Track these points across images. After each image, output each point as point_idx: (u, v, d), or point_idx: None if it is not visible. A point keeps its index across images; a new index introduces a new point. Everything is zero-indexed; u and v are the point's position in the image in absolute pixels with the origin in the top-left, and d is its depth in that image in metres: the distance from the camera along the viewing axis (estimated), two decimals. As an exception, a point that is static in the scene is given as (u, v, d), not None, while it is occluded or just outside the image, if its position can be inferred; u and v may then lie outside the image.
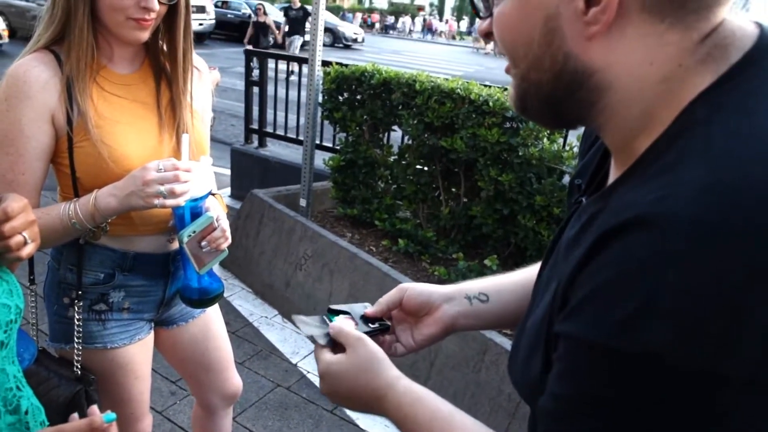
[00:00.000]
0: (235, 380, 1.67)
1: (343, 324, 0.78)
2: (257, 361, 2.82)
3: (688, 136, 0.48)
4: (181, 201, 1.19)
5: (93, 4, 1.18)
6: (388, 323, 0.85)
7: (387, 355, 0.77)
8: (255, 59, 4.74)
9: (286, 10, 12.29)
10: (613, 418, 0.46)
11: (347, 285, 2.92)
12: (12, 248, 0.86)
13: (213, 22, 18.44)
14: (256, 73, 4.74)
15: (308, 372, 2.75)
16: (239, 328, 3.06)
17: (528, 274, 0.87)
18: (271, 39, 12.12)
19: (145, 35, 1.24)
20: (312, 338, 0.77)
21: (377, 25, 42.59)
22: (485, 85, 3.16)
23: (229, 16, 19.98)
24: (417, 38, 38.35)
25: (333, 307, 0.83)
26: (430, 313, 0.85)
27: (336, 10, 38.71)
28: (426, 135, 3.15)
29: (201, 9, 17.33)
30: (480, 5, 0.59)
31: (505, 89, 3.07)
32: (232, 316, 3.14)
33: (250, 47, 11.14)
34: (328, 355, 0.74)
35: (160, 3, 1.21)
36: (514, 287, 0.87)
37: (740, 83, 0.48)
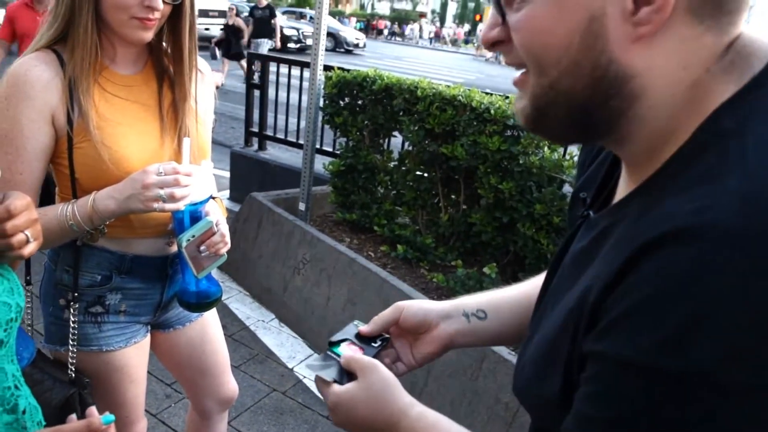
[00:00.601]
0: (231, 385, 1.66)
1: (351, 352, 0.78)
2: (253, 365, 2.81)
3: (720, 146, 0.46)
4: (180, 205, 1.18)
5: (97, 3, 1.17)
6: (388, 336, 0.84)
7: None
8: (257, 62, 4.74)
9: (252, 10, 11.10)
10: None
11: (345, 290, 2.91)
12: (14, 246, 0.86)
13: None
14: (257, 76, 4.74)
15: (304, 377, 2.74)
16: (236, 331, 3.04)
17: (526, 289, 0.85)
18: (244, 43, 10.86)
19: (149, 35, 1.23)
20: (319, 378, 0.76)
21: (385, 32, 42.70)
22: (487, 93, 3.16)
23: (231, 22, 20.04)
24: (419, 45, 38.47)
25: (333, 340, 0.82)
26: (428, 332, 0.84)
27: (335, 16, 38.86)
28: (427, 141, 3.14)
29: (223, 14, 16.77)
30: (508, 14, 0.54)
31: (507, 97, 3.07)
32: (228, 319, 3.13)
33: (218, 52, 10.60)
34: (336, 387, 0.73)
35: (164, 2, 1.20)
36: (512, 304, 0.86)
37: (767, 94, 0.48)
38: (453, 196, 3.26)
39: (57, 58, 1.19)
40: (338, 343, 0.80)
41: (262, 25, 11.00)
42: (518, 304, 0.84)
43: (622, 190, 0.59)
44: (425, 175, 3.29)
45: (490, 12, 0.58)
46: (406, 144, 3.39)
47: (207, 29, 12.17)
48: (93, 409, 0.86)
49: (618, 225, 0.52)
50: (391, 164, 3.54)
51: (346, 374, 0.75)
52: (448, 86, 3.19)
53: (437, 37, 42.03)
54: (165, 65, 1.33)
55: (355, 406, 0.71)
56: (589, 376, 0.48)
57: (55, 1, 1.20)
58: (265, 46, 11.17)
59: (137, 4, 1.17)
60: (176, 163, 1.20)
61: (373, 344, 0.81)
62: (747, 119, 0.47)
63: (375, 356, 0.79)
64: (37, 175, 1.21)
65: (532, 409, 0.63)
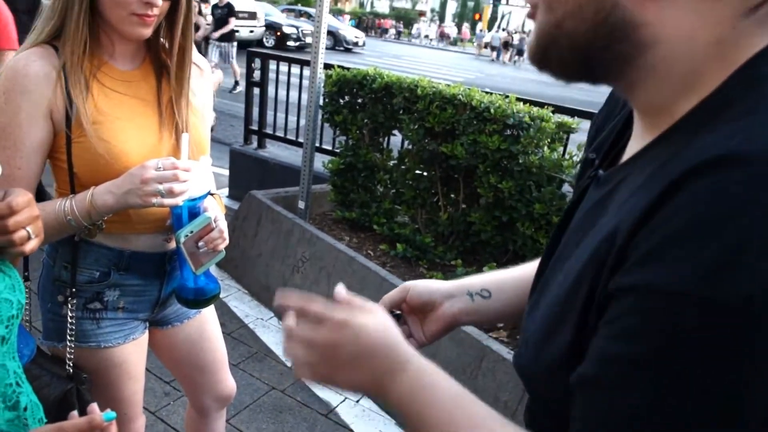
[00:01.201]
0: (229, 382, 1.66)
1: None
2: (252, 363, 2.81)
3: (758, 89, 0.46)
4: (179, 201, 1.18)
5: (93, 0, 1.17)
6: (400, 312, 0.87)
7: None
8: (257, 60, 4.73)
9: (213, 9, 9.72)
10: (688, 377, 0.41)
11: (345, 288, 2.91)
12: (16, 243, 0.86)
13: (263, 29, 17.30)
14: (257, 74, 4.73)
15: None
16: (234, 329, 3.04)
17: (529, 269, 0.85)
18: (213, 42, 9.62)
19: (148, 32, 1.23)
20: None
21: (392, 31, 42.56)
22: (486, 92, 3.16)
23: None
24: (427, 45, 38.45)
25: None
26: (434, 310, 0.86)
27: (333, 14, 38.80)
28: (426, 140, 3.14)
29: (252, 15, 16.21)
30: None
31: (506, 96, 3.08)
32: (227, 317, 3.13)
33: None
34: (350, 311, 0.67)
35: None
36: (515, 283, 0.88)
37: None
38: (452, 195, 3.26)
39: (55, 53, 1.19)
40: None
41: (221, 25, 9.60)
42: (521, 283, 0.85)
43: (633, 148, 0.60)
44: (425, 174, 3.29)
45: None
46: (406, 143, 3.39)
47: (236, 31, 11.74)
48: (94, 406, 0.86)
49: (636, 175, 0.52)
50: (391, 163, 3.54)
51: None
52: (448, 85, 3.19)
53: (442, 36, 41.97)
54: (163, 61, 1.33)
55: (367, 332, 0.64)
56: (617, 314, 0.46)
57: None
58: (213, 51, 9.55)
59: (136, 1, 1.17)
60: (175, 158, 1.20)
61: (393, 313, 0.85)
62: None
63: None
64: (35, 170, 1.21)
65: (537, 384, 0.63)
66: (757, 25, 0.48)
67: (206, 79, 1.44)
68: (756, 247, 0.39)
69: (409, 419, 0.63)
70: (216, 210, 1.31)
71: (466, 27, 47.14)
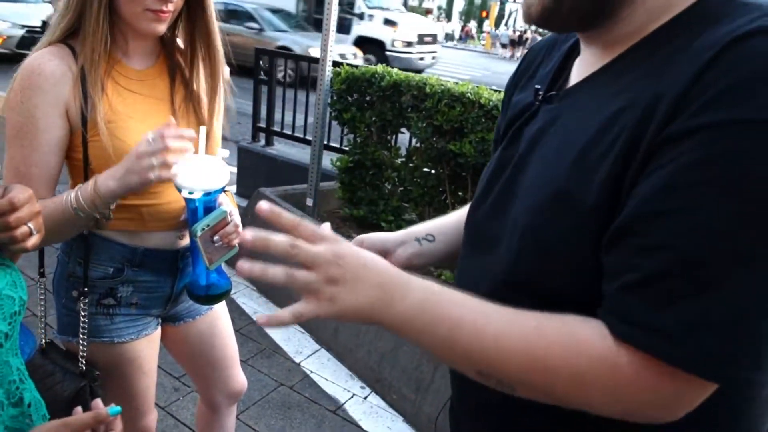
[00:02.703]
0: (239, 378, 1.67)
1: None
2: (261, 359, 2.82)
3: (733, 5, 0.58)
4: (171, 173, 1.14)
5: None
6: None
7: None
8: (265, 57, 4.74)
9: None
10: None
11: (352, 286, 2.92)
12: (18, 239, 0.86)
13: (437, 54, 14.40)
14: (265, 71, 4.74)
15: (311, 372, 2.75)
16: (243, 325, 3.06)
17: (464, 215, 0.93)
18: None
19: (163, 28, 1.23)
20: None
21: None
22: (495, 90, 3.15)
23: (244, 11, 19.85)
24: (448, 46, 38.40)
25: None
26: (388, 258, 0.93)
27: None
28: (434, 138, 3.14)
29: (433, 38, 13.98)
30: None
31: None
32: (236, 313, 3.14)
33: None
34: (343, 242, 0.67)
35: None
36: (456, 224, 0.96)
37: None
38: (460, 193, 3.26)
39: (71, 52, 1.20)
40: None
41: None
42: (460, 225, 0.92)
43: (584, 72, 0.70)
44: (433, 171, 3.29)
45: None
46: (414, 140, 3.39)
47: (421, 59, 10.70)
48: (98, 401, 0.86)
49: (612, 77, 0.64)
50: (399, 161, 3.54)
51: None
52: (457, 83, 3.19)
53: (467, 36, 41.63)
54: (177, 59, 1.34)
55: (364, 257, 0.65)
56: (682, 152, 0.53)
57: None
58: None
59: None
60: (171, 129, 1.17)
61: None
62: None
63: None
64: (53, 169, 1.21)
65: (536, 262, 0.66)
66: None
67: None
68: None
69: (421, 334, 0.64)
70: (230, 205, 1.31)
71: (489, 29, 47.12)
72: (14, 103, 1.18)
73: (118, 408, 0.86)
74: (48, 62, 1.18)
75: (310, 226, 0.66)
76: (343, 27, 12.09)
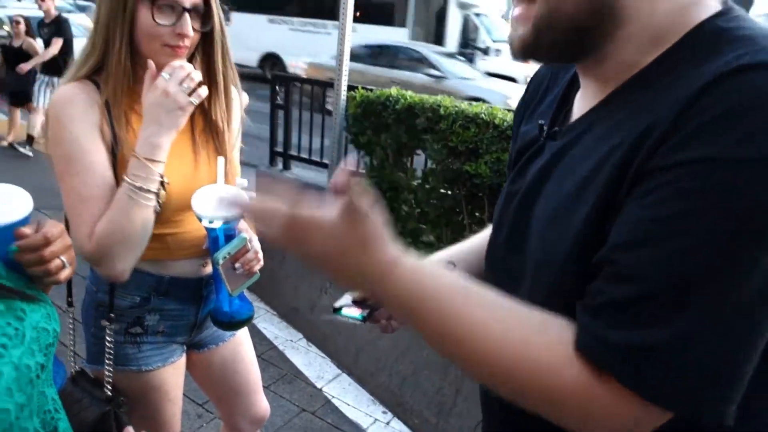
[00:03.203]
0: (262, 404, 1.68)
1: (354, 312, 0.92)
2: (282, 384, 2.82)
3: (727, 36, 0.59)
4: (203, 91, 1.19)
5: (131, 33, 1.22)
6: None
7: (384, 332, 0.91)
8: (281, 83, 4.82)
9: (38, 27, 6.69)
10: (741, 224, 0.52)
11: (372, 309, 2.92)
12: (52, 272, 0.89)
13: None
14: (281, 97, 4.81)
15: (333, 397, 2.75)
16: (264, 351, 3.07)
17: (483, 239, 0.97)
18: (39, 75, 6.54)
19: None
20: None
21: None
22: (509, 110, 3.17)
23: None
24: None
25: (336, 306, 0.95)
26: None
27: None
28: (450, 159, 3.16)
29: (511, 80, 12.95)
30: None
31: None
32: (257, 339, 3.15)
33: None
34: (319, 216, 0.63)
35: (194, 30, 1.24)
36: (476, 249, 0.98)
37: (738, 15, 0.62)
38: (477, 214, 3.26)
39: (96, 87, 1.23)
40: (340, 308, 0.95)
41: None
42: (480, 248, 0.93)
43: (585, 106, 0.71)
44: (449, 192, 3.30)
45: None
46: (430, 162, 3.41)
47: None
48: (130, 429, 0.88)
49: (613, 112, 0.64)
50: (415, 182, 3.56)
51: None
52: (471, 104, 3.21)
53: None
54: None
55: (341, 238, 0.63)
56: (665, 183, 0.55)
57: (92, 33, 1.24)
58: (44, 93, 6.43)
59: (168, 33, 1.21)
60: (212, 181, 1.21)
61: (367, 303, 0.94)
62: (741, 23, 0.61)
63: (370, 314, 0.93)
64: (112, 184, 1.20)
65: (543, 284, 0.68)
66: (695, 3, 0.62)
67: (235, 104, 1.48)
68: None
69: (411, 311, 0.64)
70: (250, 232, 1.34)
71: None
72: (55, 137, 1.20)
73: None
74: (77, 94, 1.21)
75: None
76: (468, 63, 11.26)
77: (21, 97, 6.53)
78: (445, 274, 0.67)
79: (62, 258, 0.90)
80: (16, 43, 6.52)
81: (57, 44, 6.34)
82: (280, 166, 4.96)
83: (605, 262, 0.59)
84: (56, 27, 6.47)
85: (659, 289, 0.55)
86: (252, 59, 13.12)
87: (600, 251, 0.60)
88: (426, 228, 3.49)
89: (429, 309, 0.63)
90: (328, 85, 4.04)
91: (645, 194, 0.56)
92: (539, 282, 0.69)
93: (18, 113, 6.68)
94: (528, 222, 0.73)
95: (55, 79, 6.29)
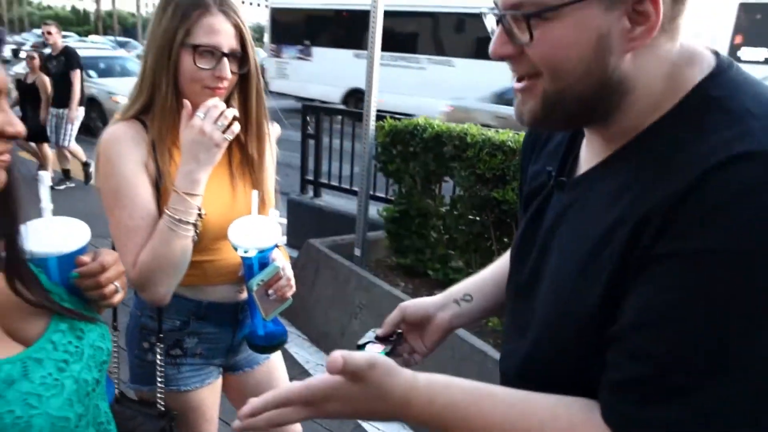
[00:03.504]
0: (296, 427, 1.73)
1: (375, 350, 0.95)
2: (313, 408, 2.86)
3: (719, 105, 0.64)
4: (235, 128, 1.27)
5: (175, 78, 1.32)
6: (401, 331, 1.01)
7: (407, 366, 0.87)
8: (311, 114, 4.96)
9: (46, 61, 6.57)
10: (727, 312, 0.57)
11: (401, 334, 2.96)
12: (107, 296, 0.98)
13: None
14: (312, 127, 4.94)
15: (363, 420, 2.78)
16: (295, 375, 3.12)
17: (500, 265, 1.02)
18: (48, 115, 6.42)
19: None
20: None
21: None
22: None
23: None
24: None
25: (359, 343, 0.98)
26: (430, 322, 0.99)
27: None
28: (477, 186, 3.21)
29: None
30: (521, 34, 0.67)
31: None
32: (289, 362, 3.18)
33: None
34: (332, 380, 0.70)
35: (232, 72, 1.34)
36: (493, 281, 1.03)
37: (729, 77, 0.67)
38: (506, 240, 3.29)
39: (143, 127, 1.34)
40: (364, 345, 0.98)
41: (60, 84, 6.34)
42: (498, 280, 0.99)
43: (592, 159, 0.76)
44: (477, 219, 3.34)
45: (497, 31, 0.70)
46: (458, 189, 3.46)
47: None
48: None
49: (615, 174, 0.69)
50: (443, 209, 3.61)
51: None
52: (497, 131, 3.26)
53: None
54: None
55: (356, 400, 0.70)
56: (666, 272, 0.60)
57: (140, 75, 1.35)
58: (65, 128, 6.38)
59: (209, 76, 1.31)
60: (247, 213, 1.29)
61: (390, 339, 1.00)
62: (732, 90, 0.65)
63: (393, 349, 0.98)
64: (154, 216, 1.29)
65: (553, 348, 0.73)
66: (687, 65, 0.67)
67: (271, 138, 1.56)
68: None
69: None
70: (282, 260, 1.41)
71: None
72: (105, 173, 1.31)
73: None
74: (125, 132, 1.32)
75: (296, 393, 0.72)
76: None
77: (38, 134, 6.38)
78: (455, 383, 0.72)
79: (116, 283, 0.98)
80: (30, 79, 6.49)
81: (76, 77, 6.33)
82: (310, 193, 5.07)
83: (617, 338, 0.64)
84: (66, 59, 6.37)
85: (670, 368, 0.60)
86: (335, 95, 13.10)
87: (613, 327, 0.64)
88: (455, 254, 3.53)
89: (449, 419, 0.70)
90: (358, 115, 4.14)
91: (650, 280, 0.61)
92: (546, 340, 0.75)
93: (45, 146, 6.63)
94: (540, 274, 0.78)
95: (62, 111, 6.32)
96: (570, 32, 0.65)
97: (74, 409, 0.81)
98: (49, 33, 6.45)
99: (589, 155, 0.77)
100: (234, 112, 1.30)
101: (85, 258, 0.95)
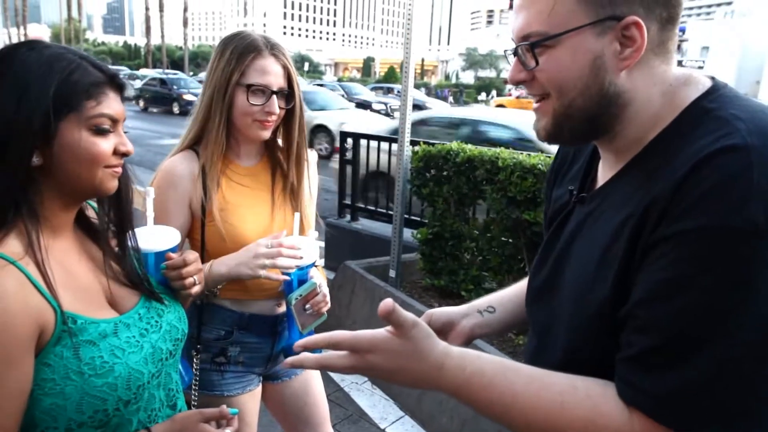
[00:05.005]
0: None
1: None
2: (347, 425, 2.95)
3: (712, 116, 0.73)
4: (281, 277, 1.41)
5: (229, 112, 1.48)
6: None
7: None
8: (349, 140, 5.11)
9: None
10: (725, 284, 0.65)
11: (434, 353, 3.02)
12: (187, 286, 1.18)
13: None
14: (350, 153, 5.09)
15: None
16: (331, 392, 3.21)
17: (521, 286, 1.09)
18: None
19: (267, 134, 1.52)
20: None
21: (450, 98, 43.20)
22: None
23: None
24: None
25: None
26: (453, 329, 1.07)
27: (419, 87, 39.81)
28: (509, 209, 3.27)
29: None
30: (529, 61, 0.79)
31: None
32: (324, 380, 3.26)
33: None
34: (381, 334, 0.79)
35: (279, 107, 1.49)
36: (515, 297, 1.10)
37: (722, 94, 0.76)
38: (538, 261, 3.33)
39: (195, 156, 1.50)
40: None
41: None
42: (518, 298, 1.06)
43: (607, 174, 0.85)
44: (510, 240, 3.40)
45: (513, 61, 0.83)
46: (490, 211, 3.53)
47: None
48: (224, 406, 1.08)
49: (627, 183, 0.78)
50: (476, 231, 3.68)
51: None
52: (529, 155, 3.33)
53: None
54: (278, 157, 1.61)
55: (397, 355, 0.77)
56: (668, 251, 0.68)
57: (197, 109, 1.51)
58: None
59: (259, 111, 1.47)
60: (285, 235, 1.44)
61: None
62: (723, 103, 0.74)
63: None
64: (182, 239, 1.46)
65: (574, 340, 0.81)
66: (683, 86, 0.78)
67: (311, 164, 1.70)
68: (759, 192, 0.64)
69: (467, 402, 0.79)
70: (320, 277, 1.53)
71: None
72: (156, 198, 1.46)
73: (236, 410, 1.12)
74: (179, 165, 1.49)
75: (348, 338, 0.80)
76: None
77: None
78: (485, 355, 0.80)
79: (194, 277, 1.19)
80: None
81: None
82: (348, 217, 5.21)
83: (629, 317, 0.72)
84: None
85: (672, 339, 0.67)
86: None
87: (623, 308, 0.72)
88: (488, 275, 3.58)
89: (476, 386, 0.77)
90: (392, 140, 4.27)
91: (654, 261, 0.69)
92: (566, 331, 0.83)
93: None
94: (559, 281, 0.87)
95: None
96: (569, 56, 0.76)
97: (148, 368, 1.00)
98: None
99: (604, 172, 0.87)
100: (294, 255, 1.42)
101: (173, 255, 1.17)
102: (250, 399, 1.61)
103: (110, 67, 1.01)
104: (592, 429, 0.73)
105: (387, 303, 0.75)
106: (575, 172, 0.96)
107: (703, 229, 0.66)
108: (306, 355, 0.80)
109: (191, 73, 42.90)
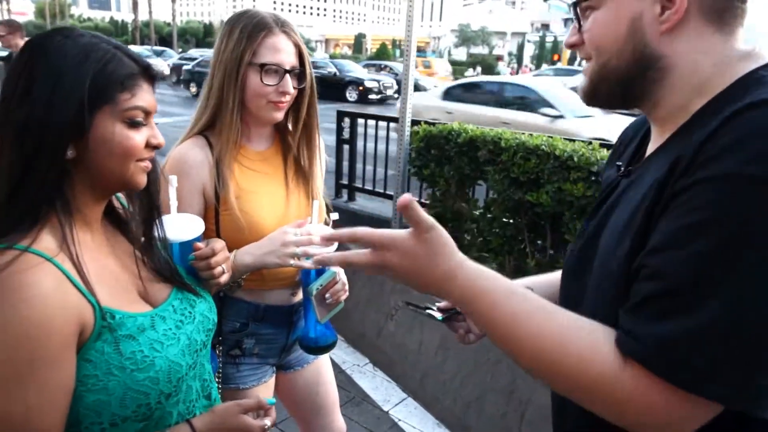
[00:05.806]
0: (339, 422, 1.82)
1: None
2: (351, 407, 2.95)
3: (764, 80, 0.71)
4: (310, 264, 1.36)
5: (242, 94, 1.42)
6: (459, 310, 1.07)
7: (462, 342, 1.03)
8: (346, 119, 5.05)
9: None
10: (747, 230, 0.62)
11: (437, 336, 3.03)
12: (215, 275, 1.17)
13: None
14: (347, 131, 5.03)
15: (400, 420, 2.85)
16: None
17: (556, 273, 1.08)
18: None
19: (280, 115, 1.47)
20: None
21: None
22: (569, 140, 3.24)
23: (315, 75, 20.57)
24: None
25: (421, 305, 1.09)
26: None
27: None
28: (511, 189, 3.25)
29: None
30: (582, 22, 0.82)
31: (590, 143, 3.15)
32: (327, 363, 3.30)
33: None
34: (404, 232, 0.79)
35: (293, 88, 1.44)
36: (550, 282, 1.08)
37: None
38: (539, 242, 3.33)
39: (207, 143, 1.44)
40: (425, 307, 1.09)
41: None
42: (553, 282, 1.05)
43: (651, 148, 0.84)
44: (511, 221, 3.39)
45: (570, 27, 0.86)
46: (491, 192, 3.51)
47: None
48: (259, 395, 1.08)
49: (667, 152, 0.75)
50: (477, 212, 3.66)
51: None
52: (531, 135, 3.30)
53: None
54: (289, 141, 1.56)
55: (418, 258, 0.77)
56: (692, 197, 0.66)
57: (206, 93, 1.45)
58: None
59: (273, 91, 1.42)
60: (309, 223, 1.41)
61: (450, 311, 1.08)
62: None
63: (449, 318, 1.07)
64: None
65: (608, 285, 0.79)
66: (741, 59, 0.75)
67: (322, 149, 1.65)
68: None
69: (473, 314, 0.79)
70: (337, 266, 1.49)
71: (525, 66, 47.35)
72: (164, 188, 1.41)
73: (273, 399, 1.13)
74: (190, 151, 1.43)
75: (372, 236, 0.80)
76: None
77: None
78: (501, 277, 0.79)
79: (223, 266, 1.18)
80: None
81: None
82: (345, 197, 5.17)
83: (641, 267, 0.70)
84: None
85: (681, 285, 0.65)
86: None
87: (638, 258, 0.71)
88: (489, 256, 3.57)
89: (484, 303, 0.77)
90: (392, 120, 4.22)
91: (672, 210, 0.68)
92: (592, 299, 0.82)
93: None
94: (593, 251, 0.85)
95: None
96: (610, 16, 0.78)
97: (185, 359, 1.00)
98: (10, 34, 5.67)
99: (652, 145, 0.86)
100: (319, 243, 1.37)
101: (200, 244, 1.16)
102: (264, 390, 1.59)
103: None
104: (583, 367, 0.71)
105: (405, 197, 0.75)
106: (630, 151, 0.95)
107: (721, 177, 0.64)
108: (331, 253, 0.83)
109: (180, 50, 42.28)
